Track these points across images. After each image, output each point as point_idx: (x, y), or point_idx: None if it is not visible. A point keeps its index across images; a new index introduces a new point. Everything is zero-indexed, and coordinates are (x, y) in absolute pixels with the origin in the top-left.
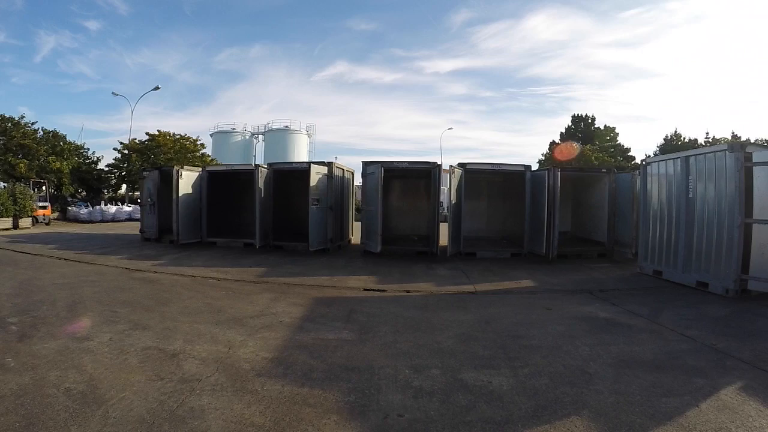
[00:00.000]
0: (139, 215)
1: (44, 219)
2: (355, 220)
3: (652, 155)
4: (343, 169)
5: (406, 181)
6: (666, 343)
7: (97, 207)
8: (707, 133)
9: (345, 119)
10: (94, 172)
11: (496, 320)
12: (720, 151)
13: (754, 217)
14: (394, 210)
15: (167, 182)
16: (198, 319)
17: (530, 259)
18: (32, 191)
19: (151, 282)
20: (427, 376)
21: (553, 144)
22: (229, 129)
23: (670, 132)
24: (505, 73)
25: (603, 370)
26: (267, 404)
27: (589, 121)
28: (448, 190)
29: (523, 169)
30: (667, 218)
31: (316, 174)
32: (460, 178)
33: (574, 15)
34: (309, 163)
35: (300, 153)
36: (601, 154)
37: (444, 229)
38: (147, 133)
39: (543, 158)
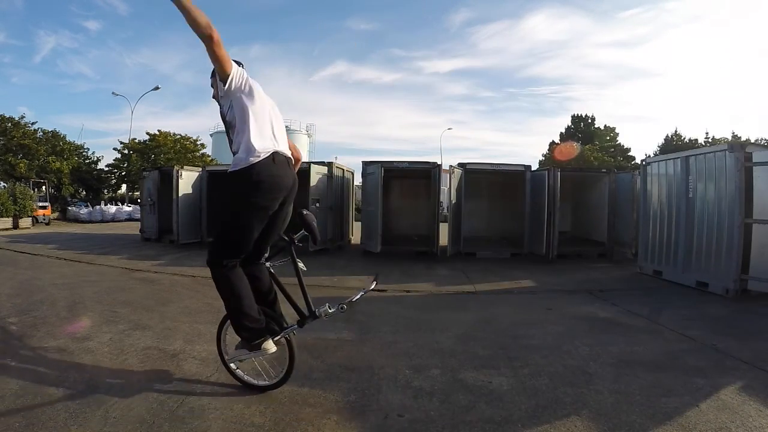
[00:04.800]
0: (139, 215)
1: (44, 219)
2: (355, 220)
3: (652, 155)
4: (343, 169)
5: (406, 181)
6: (666, 343)
7: (97, 207)
8: (707, 133)
9: (345, 119)
10: (94, 172)
11: (496, 320)
12: (720, 151)
13: (754, 217)
14: (394, 210)
15: (167, 182)
16: (198, 319)
17: (530, 259)
18: (32, 191)
19: (151, 282)
20: (427, 376)
21: (553, 144)
22: None
23: (670, 132)
24: (505, 73)
25: (603, 370)
26: (267, 404)
27: (589, 121)
28: (448, 190)
29: (523, 169)
30: (667, 218)
31: (316, 174)
32: (460, 178)
33: (573, 15)
34: (309, 163)
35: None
36: (600, 154)
37: (444, 229)
38: (147, 133)
39: (543, 158)
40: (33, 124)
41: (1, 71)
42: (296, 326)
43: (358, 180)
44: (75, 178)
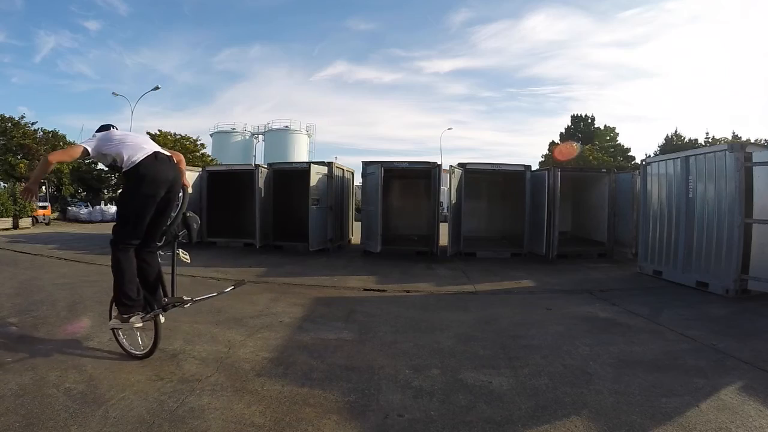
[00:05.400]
0: None
1: (44, 219)
2: (355, 220)
3: (652, 155)
4: (343, 169)
5: (406, 181)
6: (666, 343)
7: (97, 207)
8: (707, 133)
9: (345, 119)
10: (94, 172)
11: (496, 320)
12: (720, 151)
13: (754, 217)
14: (394, 210)
15: None
16: (198, 319)
17: (530, 259)
18: None
19: None
20: (427, 376)
21: (553, 144)
22: (229, 129)
23: (670, 132)
24: (505, 73)
25: (603, 370)
26: (267, 404)
27: (589, 121)
28: (448, 190)
29: (523, 169)
30: (667, 218)
31: (316, 174)
32: (460, 178)
33: (573, 15)
34: (309, 163)
35: (300, 153)
36: (600, 154)
37: (444, 229)
38: (147, 133)
39: (543, 158)
40: (33, 124)
41: (1, 71)
42: (161, 310)
43: (358, 180)
44: (75, 178)
